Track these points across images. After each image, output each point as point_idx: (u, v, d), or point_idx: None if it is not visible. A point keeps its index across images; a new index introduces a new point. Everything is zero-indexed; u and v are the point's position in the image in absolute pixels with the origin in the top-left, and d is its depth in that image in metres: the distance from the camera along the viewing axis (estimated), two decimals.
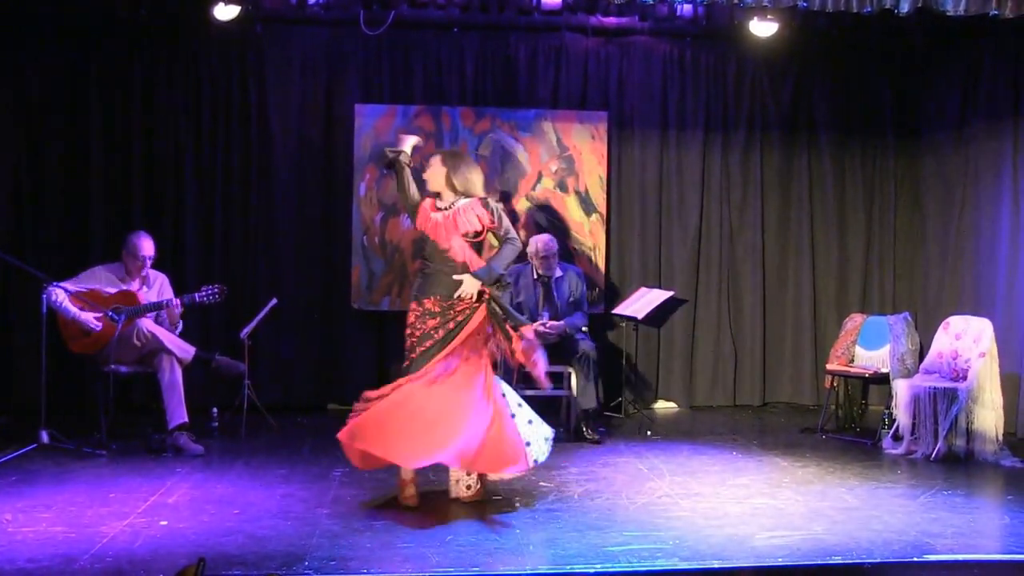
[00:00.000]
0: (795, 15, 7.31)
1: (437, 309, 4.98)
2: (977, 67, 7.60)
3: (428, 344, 4.96)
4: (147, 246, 6.54)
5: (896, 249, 8.41)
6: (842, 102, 8.36)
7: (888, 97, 8.37)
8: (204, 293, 6.45)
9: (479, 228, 5.05)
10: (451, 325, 4.96)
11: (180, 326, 6.54)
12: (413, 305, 5.06)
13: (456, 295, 4.97)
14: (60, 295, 6.23)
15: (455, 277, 4.99)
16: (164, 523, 4.65)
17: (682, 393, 8.26)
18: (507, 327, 5.00)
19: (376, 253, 7.76)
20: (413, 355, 4.97)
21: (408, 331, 5.04)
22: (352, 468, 5.17)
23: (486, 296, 5.01)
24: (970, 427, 6.27)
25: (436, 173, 5.13)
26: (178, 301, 6.40)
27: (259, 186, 7.78)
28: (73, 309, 6.25)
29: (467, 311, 4.98)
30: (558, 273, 7.12)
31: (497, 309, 5.02)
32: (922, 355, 7.06)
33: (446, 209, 5.08)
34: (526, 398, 5.30)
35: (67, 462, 5.84)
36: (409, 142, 5.22)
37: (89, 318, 6.25)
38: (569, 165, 7.95)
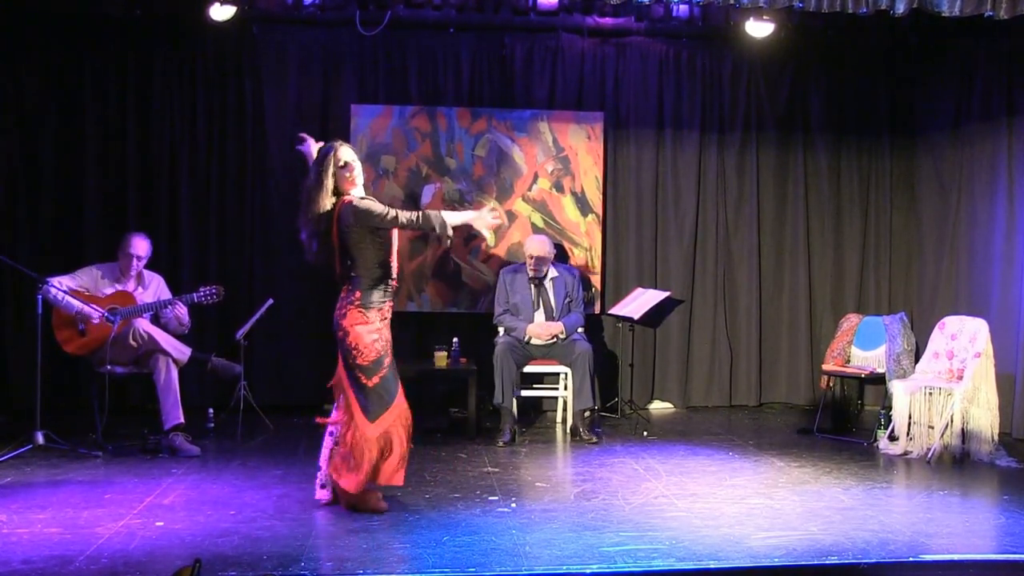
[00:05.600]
0: (791, 16, 7.32)
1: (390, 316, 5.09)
2: (972, 68, 7.61)
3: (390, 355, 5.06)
4: (137, 245, 6.51)
5: (892, 249, 8.41)
6: (837, 102, 8.37)
7: (883, 97, 8.38)
8: (202, 293, 6.44)
9: None
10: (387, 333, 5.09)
11: (187, 326, 6.52)
12: (375, 313, 5.03)
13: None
14: (59, 292, 6.20)
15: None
16: (160, 524, 4.65)
17: (678, 393, 8.26)
18: None
19: None
20: (383, 371, 4.99)
21: (372, 340, 5.01)
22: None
23: None
24: (966, 427, 6.28)
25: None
26: (179, 302, 6.39)
27: (254, 186, 7.78)
28: (76, 303, 6.21)
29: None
30: (553, 274, 7.12)
31: None
32: (918, 355, 7.07)
33: None
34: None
35: (62, 463, 5.83)
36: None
37: (92, 311, 6.19)
38: (565, 165, 7.94)
